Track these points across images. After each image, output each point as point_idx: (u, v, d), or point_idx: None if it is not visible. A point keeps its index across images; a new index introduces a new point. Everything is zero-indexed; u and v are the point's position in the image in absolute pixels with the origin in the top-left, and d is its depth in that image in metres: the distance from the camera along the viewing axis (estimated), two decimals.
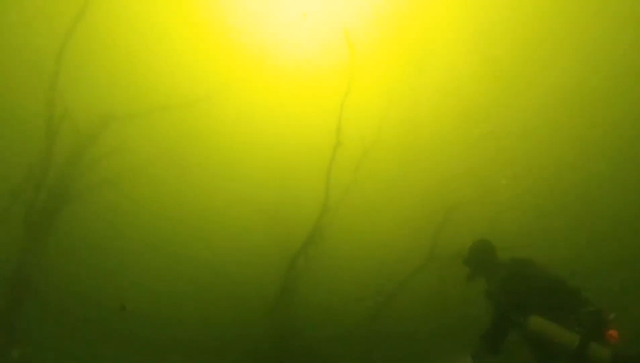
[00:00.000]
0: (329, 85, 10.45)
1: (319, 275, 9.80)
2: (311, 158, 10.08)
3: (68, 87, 9.80)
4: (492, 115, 11.53)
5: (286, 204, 11.06)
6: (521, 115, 11.41)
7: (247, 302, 10.08)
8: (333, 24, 10.14)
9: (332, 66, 10.54)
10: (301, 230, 9.80)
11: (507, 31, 11.52)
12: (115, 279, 10.41)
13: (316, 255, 9.31)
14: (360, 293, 10.18)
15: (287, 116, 11.25)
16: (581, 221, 10.46)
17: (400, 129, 11.01)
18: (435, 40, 11.22)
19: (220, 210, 11.09)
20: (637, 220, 10.15)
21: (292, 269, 9.08)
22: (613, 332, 3.52)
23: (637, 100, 11.35)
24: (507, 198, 11.11)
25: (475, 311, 4.53)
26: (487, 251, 4.33)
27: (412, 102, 11.09)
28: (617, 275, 9.32)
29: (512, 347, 3.85)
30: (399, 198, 11.09)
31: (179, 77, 10.99)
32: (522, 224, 10.70)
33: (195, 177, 11.30)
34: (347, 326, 9.81)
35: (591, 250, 10.02)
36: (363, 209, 10.78)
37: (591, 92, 11.66)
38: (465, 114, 11.50)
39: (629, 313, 4.49)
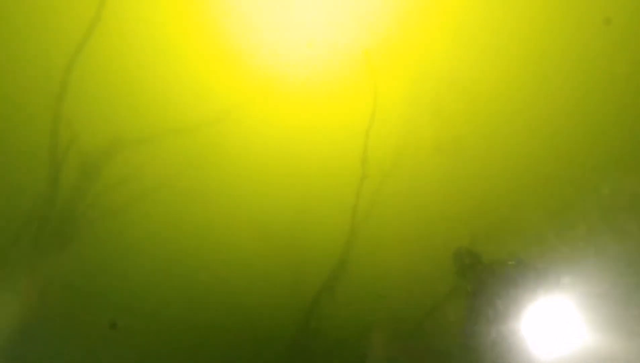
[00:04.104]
0: (350, 108, 9.97)
1: (342, 306, 9.34)
2: (332, 188, 9.61)
3: (75, 110, 9.30)
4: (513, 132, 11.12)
5: (304, 234, 10.54)
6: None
7: (264, 331, 9.64)
8: (352, 48, 9.64)
9: (353, 88, 10.03)
10: (320, 258, 9.41)
11: (527, 47, 11.02)
12: (126, 310, 9.94)
13: (339, 287, 8.91)
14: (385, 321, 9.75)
15: (304, 141, 10.70)
16: None
17: (421, 149, 10.49)
18: (454, 56, 10.69)
19: (233, 238, 10.56)
20: None
21: (315, 303, 8.62)
22: None
23: None
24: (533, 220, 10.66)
25: None
26: (470, 256, 4.70)
27: (433, 121, 10.55)
28: None
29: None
30: (420, 223, 10.56)
31: (192, 98, 10.49)
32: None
33: (206, 203, 10.75)
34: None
35: None
36: (384, 235, 10.28)
37: (595, 90, 11.16)
38: (486, 134, 11.05)
39: None
